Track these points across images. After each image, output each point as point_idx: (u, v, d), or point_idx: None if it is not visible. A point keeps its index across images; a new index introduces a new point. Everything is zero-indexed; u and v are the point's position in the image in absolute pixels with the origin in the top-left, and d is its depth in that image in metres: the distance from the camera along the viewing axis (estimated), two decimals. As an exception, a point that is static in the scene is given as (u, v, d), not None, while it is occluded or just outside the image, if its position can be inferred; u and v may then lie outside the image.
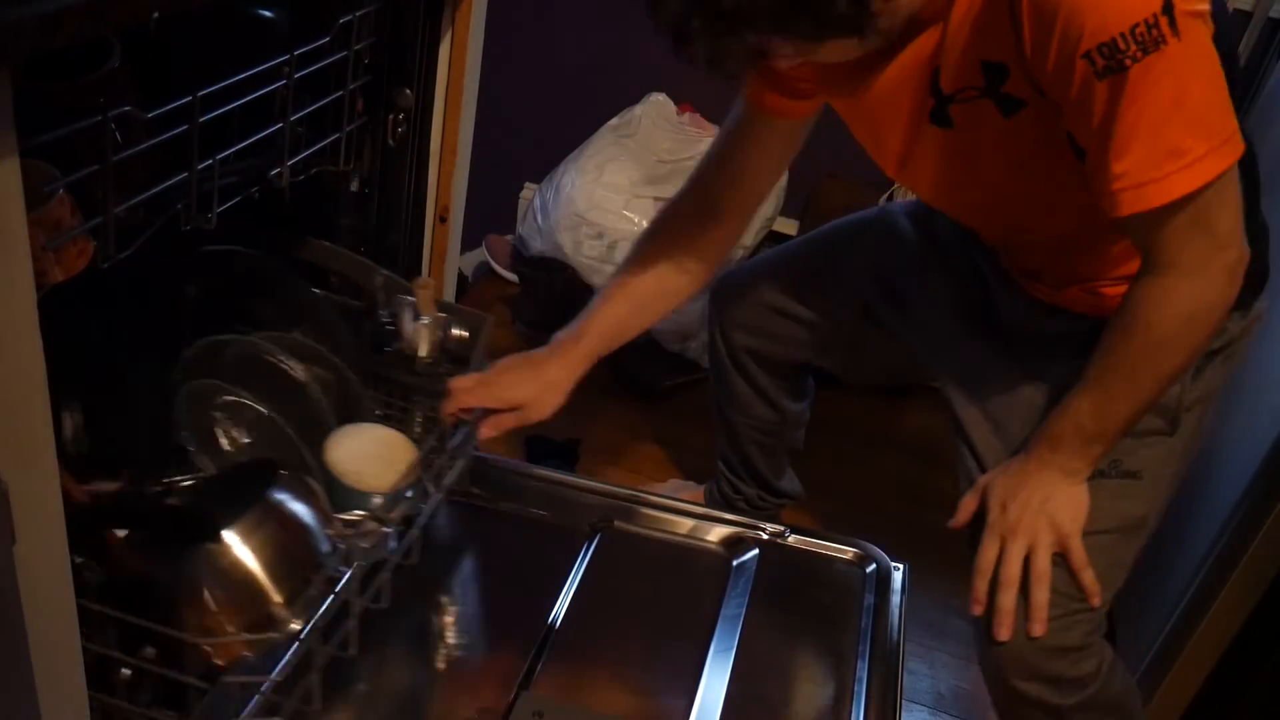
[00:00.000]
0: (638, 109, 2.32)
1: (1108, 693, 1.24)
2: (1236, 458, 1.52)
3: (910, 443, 2.17)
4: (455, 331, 1.29)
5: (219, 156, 1.02)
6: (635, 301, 1.30)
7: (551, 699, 1.08)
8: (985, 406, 1.26)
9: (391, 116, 1.31)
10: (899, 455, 2.13)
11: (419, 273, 1.41)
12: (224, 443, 1.18)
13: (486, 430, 1.23)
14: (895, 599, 1.27)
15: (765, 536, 1.34)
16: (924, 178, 1.21)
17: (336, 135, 1.23)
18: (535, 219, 2.30)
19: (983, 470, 1.24)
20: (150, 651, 0.91)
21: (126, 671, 0.91)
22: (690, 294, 1.33)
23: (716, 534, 1.35)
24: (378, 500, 1.13)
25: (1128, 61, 0.88)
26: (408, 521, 1.11)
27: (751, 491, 1.69)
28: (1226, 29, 1.00)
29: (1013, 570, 1.14)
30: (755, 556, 1.32)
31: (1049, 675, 1.19)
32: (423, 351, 1.28)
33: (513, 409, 1.24)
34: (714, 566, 1.31)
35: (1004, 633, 1.14)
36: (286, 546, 0.97)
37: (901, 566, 1.32)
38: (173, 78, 0.98)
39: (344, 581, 0.97)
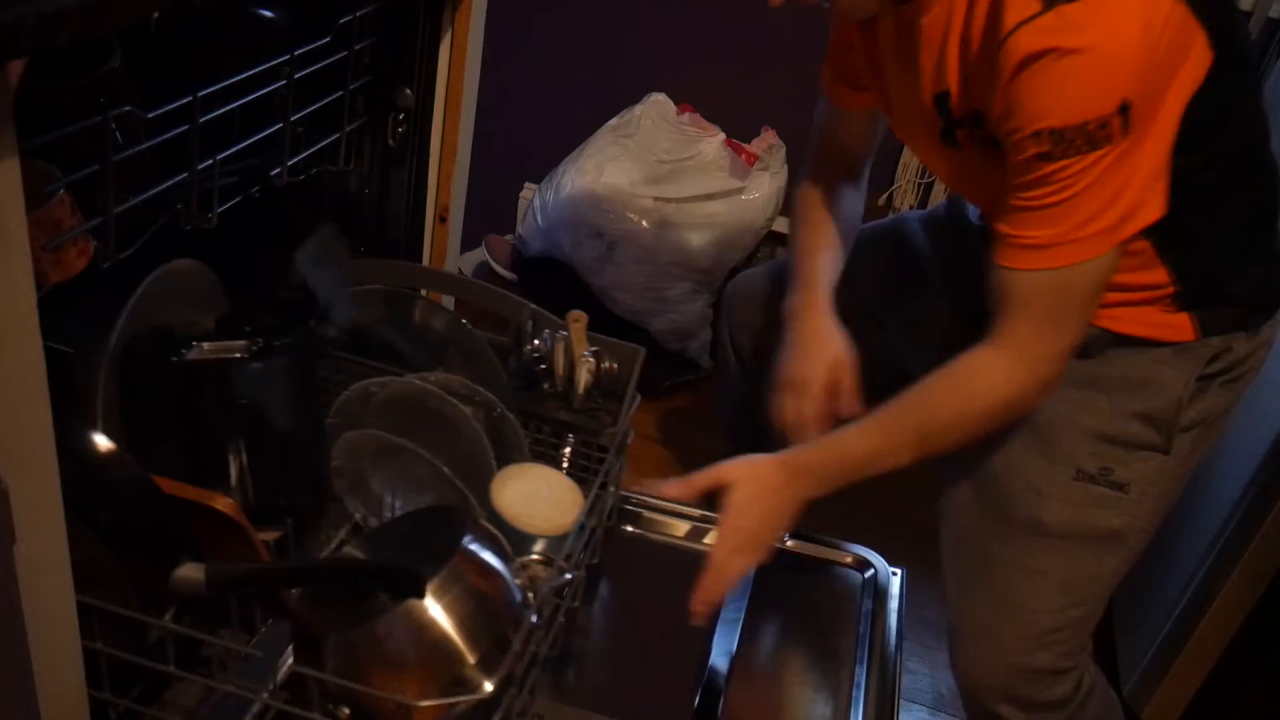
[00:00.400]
0: (638, 109, 2.32)
1: (1082, 717, 1.23)
2: (1236, 458, 1.52)
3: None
4: (606, 364, 1.25)
5: (219, 156, 1.02)
6: (833, 241, 1.33)
7: (550, 701, 1.08)
8: None
9: (391, 116, 1.31)
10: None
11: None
12: (379, 489, 1.16)
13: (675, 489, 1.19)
14: (893, 604, 1.27)
15: None
16: (948, 180, 1.25)
17: (336, 135, 1.23)
18: (535, 219, 2.30)
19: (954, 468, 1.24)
20: (344, 711, 0.89)
21: None
22: (860, 218, 1.37)
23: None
24: (539, 544, 1.10)
25: (1071, 151, 0.91)
26: (577, 563, 1.07)
27: None
28: (1229, 24, 0.98)
29: (731, 575, 1.13)
30: None
31: (1020, 698, 1.19)
32: (580, 387, 1.24)
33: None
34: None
35: (700, 620, 1.12)
36: (481, 602, 0.91)
37: (899, 572, 1.32)
38: (173, 78, 0.98)
39: (534, 631, 0.93)
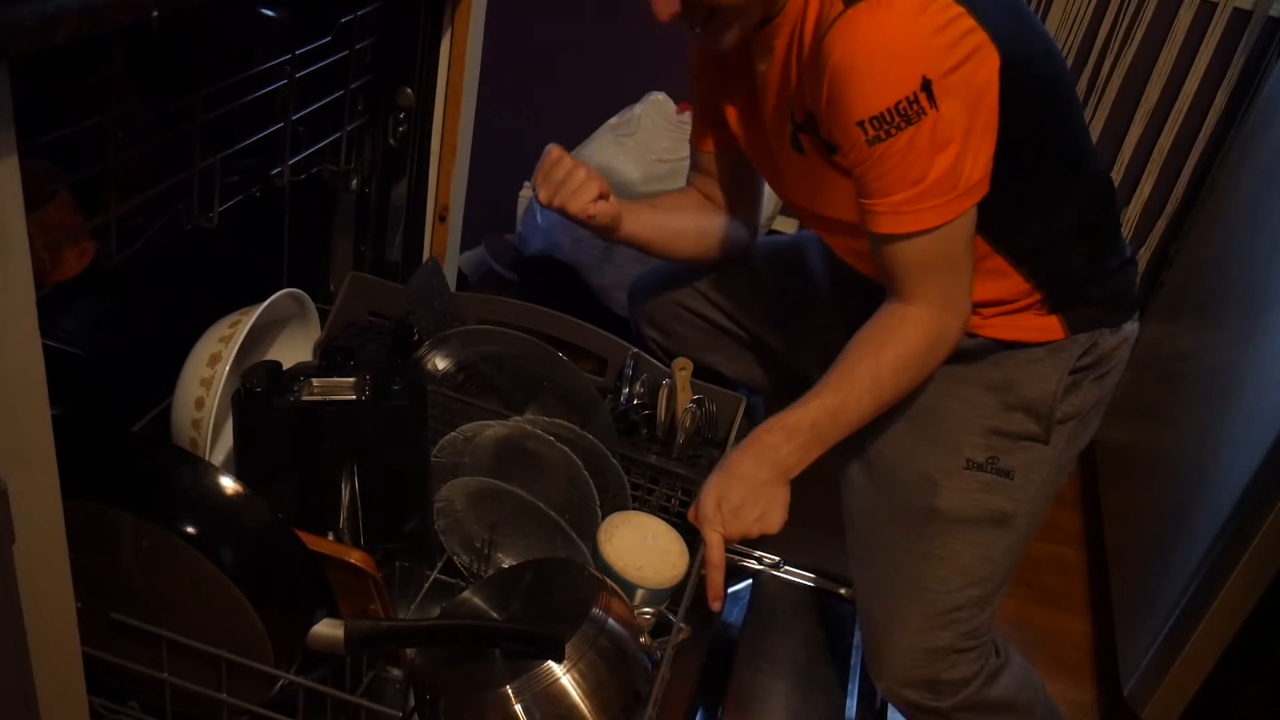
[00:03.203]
0: (638, 109, 2.32)
1: (990, 693, 1.26)
2: (1236, 458, 1.52)
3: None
4: (710, 409, 1.26)
5: (220, 156, 1.02)
6: (665, 221, 1.38)
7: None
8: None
9: (392, 116, 1.31)
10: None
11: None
12: (477, 529, 1.15)
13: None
14: None
15: (759, 567, 1.34)
16: (797, 202, 1.29)
17: (337, 134, 1.23)
18: (535, 218, 2.30)
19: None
20: None
21: None
22: (705, 241, 1.41)
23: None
24: (640, 594, 1.09)
25: (894, 130, 1.01)
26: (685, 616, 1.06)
27: None
28: (1032, 45, 1.09)
29: (721, 561, 1.15)
30: (748, 586, 1.32)
31: (924, 679, 1.22)
32: (680, 436, 1.24)
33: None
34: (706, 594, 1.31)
35: (717, 605, 1.15)
36: (613, 667, 0.89)
37: None
38: (174, 77, 0.97)
39: (654, 699, 0.92)
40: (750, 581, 1.33)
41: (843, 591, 1.35)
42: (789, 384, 1.38)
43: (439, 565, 1.17)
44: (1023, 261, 1.18)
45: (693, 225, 1.40)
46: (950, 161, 1.04)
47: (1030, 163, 1.13)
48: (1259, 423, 1.48)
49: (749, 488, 1.14)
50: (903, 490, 1.22)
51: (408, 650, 0.94)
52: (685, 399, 1.25)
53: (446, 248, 1.43)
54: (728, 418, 1.25)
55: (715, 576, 1.14)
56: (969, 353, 1.22)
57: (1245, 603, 1.50)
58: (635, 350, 1.28)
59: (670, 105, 2.34)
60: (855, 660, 1.24)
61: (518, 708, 0.86)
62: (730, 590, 1.33)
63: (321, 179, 1.29)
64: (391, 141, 1.33)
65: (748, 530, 1.15)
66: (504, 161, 2.45)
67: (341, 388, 1.03)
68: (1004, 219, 1.13)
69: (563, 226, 2.22)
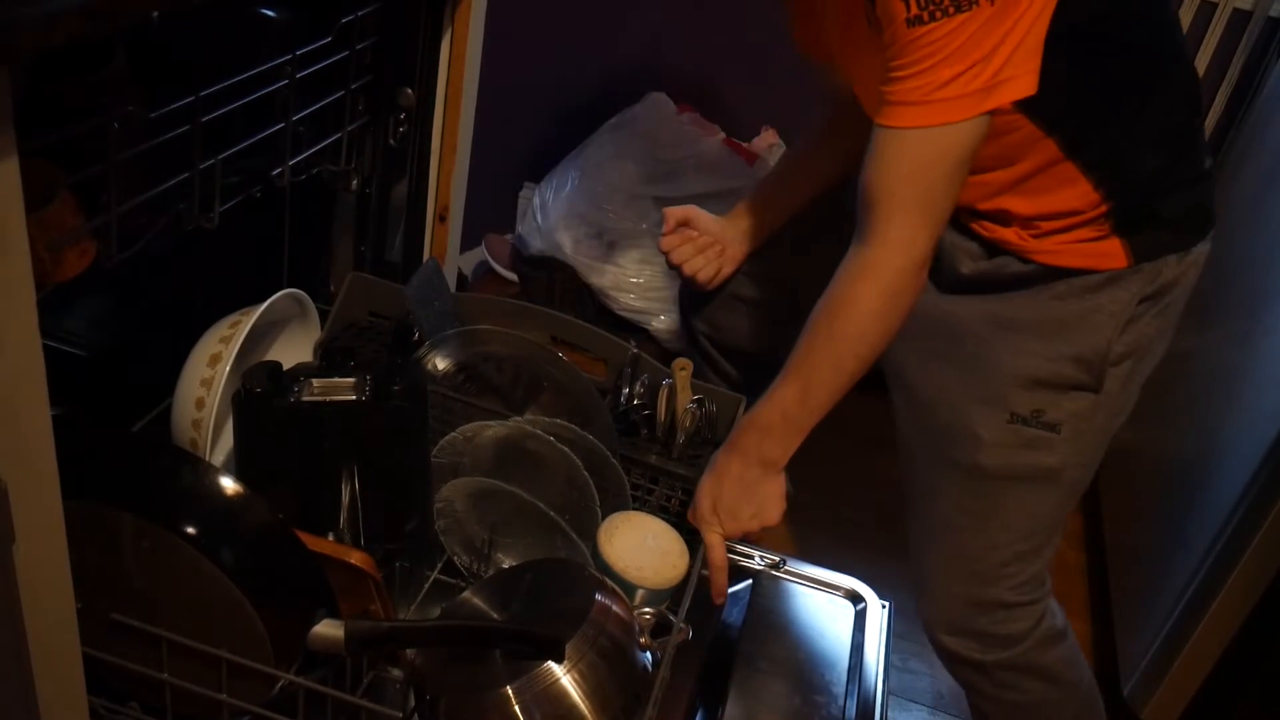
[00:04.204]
0: (638, 109, 2.32)
1: (1040, 659, 1.25)
2: (1236, 458, 1.52)
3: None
4: (710, 409, 1.25)
5: (221, 156, 1.02)
6: (799, 184, 1.41)
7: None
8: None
9: (392, 116, 1.31)
10: (897, 455, 2.13)
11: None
12: (478, 530, 1.15)
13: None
14: (880, 638, 1.28)
15: (759, 566, 1.35)
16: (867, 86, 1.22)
17: (338, 135, 1.23)
18: (535, 219, 2.30)
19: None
20: None
21: None
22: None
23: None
24: (640, 594, 1.09)
25: (939, 14, 0.93)
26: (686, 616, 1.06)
27: None
28: None
29: (723, 561, 1.16)
30: (748, 586, 1.33)
31: (974, 630, 1.22)
32: (681, 436, 1.24)
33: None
34: (708, 594, 1.31)
35: (720, 600, 1.17)
36: (613, 667, 0.90)
37: (888, 604, 1.34)
38: (174, 78, 0.97)
39: (655, 699, 0.91)
40: (750, 581, 1.33)
41: (840, 591, 1.35)
42: None
43: (439, 566, 1.16)
44: (1094, 168, 1.08)
45: (826, 161, 1.38)
46: (988, 65, 0.96)
47: (1116, 51, 1.04)
48: (1259, 423, 1.48)
49: (740, 487, 1.14)
50: (947, 443, 1.20)
51: (408, 651, 0.94)
52: (685, 399, 1.25)
53: (446, 248, 1.43)
54: (727, 418, 1.25)
55: (718, 577, 1.15)
56: (1021, 280, 1.15)
57: (1245, 603, 1.50)
58: (635, 350, 1.28)
59: (670, 105, 2.34)
60: (855, 660, 1.24)
61: (518, 708, 0.86)
62: (730, 590, 1.33)
63: (322, 179, 1.29)
64: (391, 141, 1.33)
65: (746, 527, 1.15)
66: (504, 161, 2.46)
67: (342, 388, 1.03)
68: (1080, 118, 1.06)
69: (563, 226, 2.22)
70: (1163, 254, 1.12)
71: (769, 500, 1.16)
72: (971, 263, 1.18)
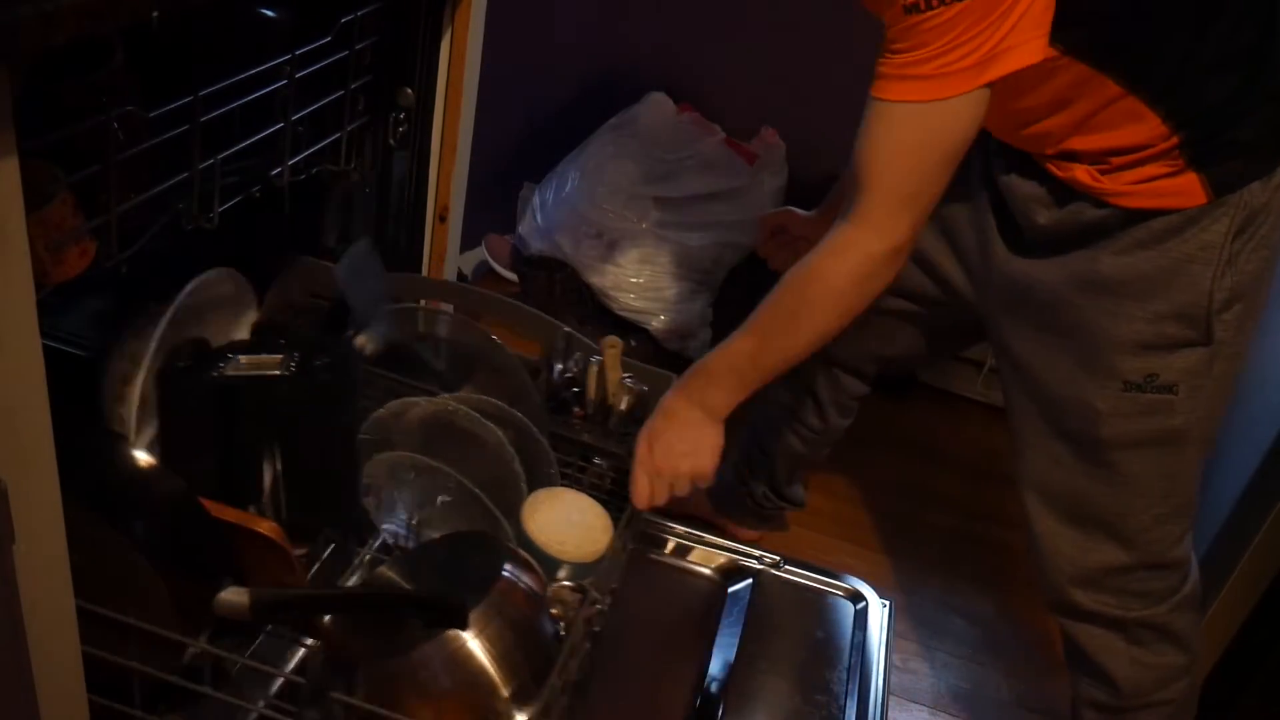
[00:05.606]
0: (638, 109, 2.32)
1: (1174, 621, 1.25)
2: (1236, 458, 1.52)
3: (910, 442, 2.17)
4: (638, 389, 1.26)
5: (220, 156, 1.02)
6: None
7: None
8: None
9: (392, 116, 1.31)
10: (899, 455, 2.13)
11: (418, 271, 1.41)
12: (408, 507, 1.16)
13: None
14: (881, 637, 1.28)
15: (760, 566, 1.35)
16: None
17: (337, 135, 1.23)
18: (535, 219, 2.30)
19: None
20: None
21: None
22: None
23: (712, 560, 1.36)
24: (564, 569, 1.10)
25: (935, 2, 0.93)
26: (607, 590, 1.08)
27: (760, 490, 1.69)
28: None
29: (659, 501, 1.17)
30: (749, 586, 1.33)
31: (1114, 587, 1.22)
32: (612, 414, 1.25)
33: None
34: (709, 593, 1.31)
35: (641, 504, 1.17)
36: (520, 634, 0.92)
37: (888, 603, 1.33)
38: (174, 77, 0.98)
39: (564, 663, 0.93)
40: (750, 581, 1.33)
41: (841, 591, 1.35)
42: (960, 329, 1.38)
43: (373, 544, 1.17)
44: (1158, 100, 1.03)
45: None
46: (985, 44, 0.94)
47: None
48: (1259, 423, 1.48)
49: (678, 426, 1.16)
50: (1064, 415, 1.19)
51: (326, 622, 0.95)
52: (616, 377, 1.25)
53: (446, 248, 1.42)
54: (659, 395, 1.26)
55: (639, 485, 1.15)
56: (1099, 228, 1.11)
57: (1245, 603, 1.50)
58: (568, 330, 1.29)
59: (670, 105, 2.34)
60: (855, 660, 1.24)
61: (427, 672, 0.88)
62: (730, 590, 1.33)
63: (321, 179, 1.29)
64: (391, 141, 1.33)
65: (677, 465, 1.16)
66: (504, 161, 2.45)
67: (268, 364, 1.03)
68: (1131, 52, 1.02)
69: (563, 226, 2.22)
70: (1245, 183, 1.06)
71: (704, 447, 1.17)
72: (1046, 212, 1.14)
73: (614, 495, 1.22)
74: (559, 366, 1.26)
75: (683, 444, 1.16)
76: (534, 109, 2.48)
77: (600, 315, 2.19)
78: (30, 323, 0.68)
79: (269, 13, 1.13)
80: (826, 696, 1.19)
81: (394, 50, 1.26)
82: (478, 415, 1.12)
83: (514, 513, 1.12)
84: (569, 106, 2.45)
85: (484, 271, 2.51)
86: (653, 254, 2.19)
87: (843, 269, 1.07)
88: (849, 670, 1.23)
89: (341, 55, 1.17)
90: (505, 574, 0.94)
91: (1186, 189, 1.06)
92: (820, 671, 1.23)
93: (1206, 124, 1.05)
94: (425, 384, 1.21)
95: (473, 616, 0.89)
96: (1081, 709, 1.35)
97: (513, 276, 2.40)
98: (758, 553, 1.37)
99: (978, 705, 1.62)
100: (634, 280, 2.19)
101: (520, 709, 0.89)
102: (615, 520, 1.15)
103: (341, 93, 1.20)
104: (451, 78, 1.30)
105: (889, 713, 1.21)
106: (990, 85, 0.97)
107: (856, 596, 1.34)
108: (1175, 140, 1.04)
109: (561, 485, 1.19)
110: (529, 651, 0.92)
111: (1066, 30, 0.97)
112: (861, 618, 1.31)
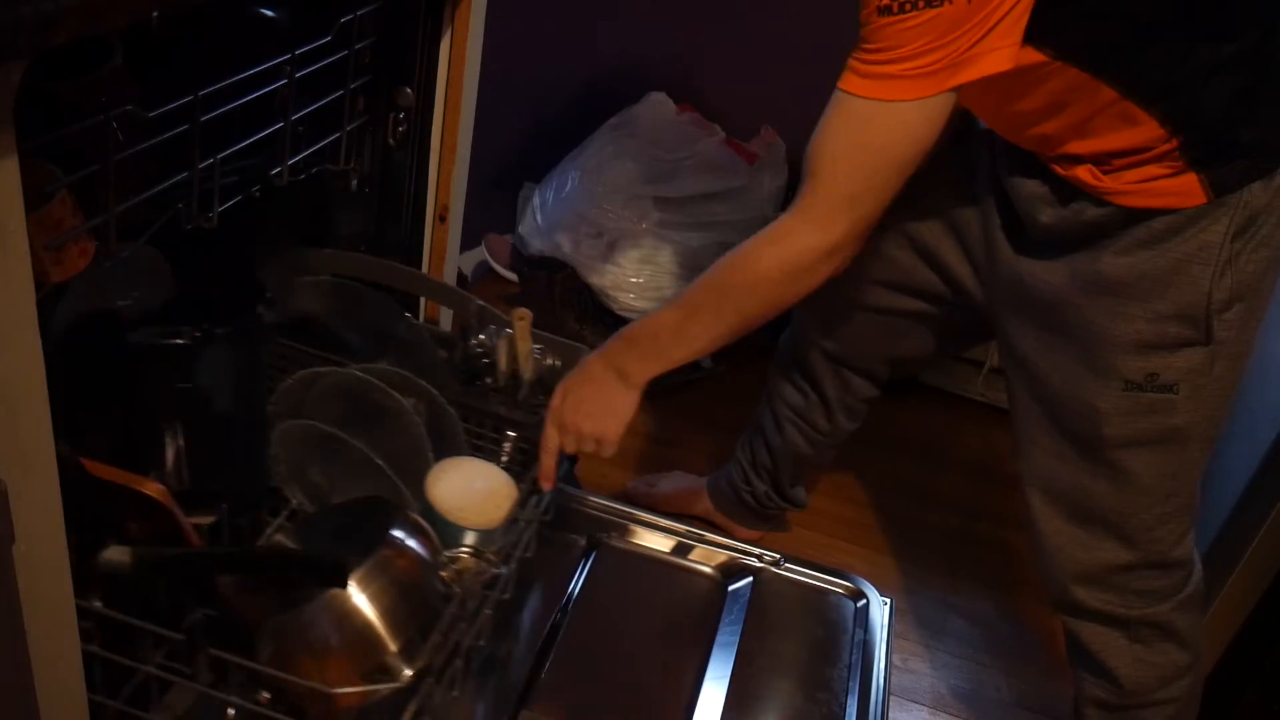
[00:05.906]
0: (638, 109, 2.32)
1: (1176, 620, 1.25)
2: (1237, 458, 1.52)
3: (910, 442, 2.17)
4: (549, 361, 1.28)
5: (220, 155, 1.02)
6: None
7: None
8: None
9: (391, 116, 1.31)
10: (899, 455, 2.13)
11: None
12: (317, 478, 1.17)
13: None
14: (879, 635, 1.28)
15: (760, 564, 1.35)
16: None
17: (337, 134, 1.23)
18: (535, 218, 2.30)
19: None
20: (265, 696, 0.91)
21: (232, 713, 0.91)
22: None
23: (712, 559, 1.36)
24: (471, 536, 1.12)
25: (909, 6, 0.93)
26: (506, 557, 1.10)
27: (762, 489, 1.70)
28: None
29: (553, 447, 1.21)
30: (749, 584, 1.33)
31: (1115, 585, 1.22)
32: (523, 384, 1.26)
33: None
34: (709, 591, 1.31)
35: (548, 485, 1.22)
36: (404, 592, 0.95)
37: (889, 601, 1.33)
38: (174, 77, 0.98)
39: (456, 623, 0.97)
40: (750, 580, 1.33)
41: (842, 589, 1.35)
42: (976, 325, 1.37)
43: (285, 514, 1.18)
44: (1157, 102, 1.02)
45: None
46: (951, 50, 0.95)
47: None
48: (1259, 423, 1.48)
49: (592, 386, 1.19)
50: (1066, 414, 1.20)
51: (221, 584, 0.97)
52: (526, 349, 1.26)
53: (446, 248, 1.43)
54: (570, 368, 1.27)
55: (545, 460, 1.21)
56: (1100, 227, 1.11)
57: (1245, 603, 1.50)
58: (480, 303, 1.30)
59: (670, 105, 2.34)
60: (855, 659, 1.24)
61: (317, 631, 0.91)
62: (730, 589, 1.33)
63: (321, 179, 1.29)
64: (391, 141, 1.33)
65: (580, 425, 1.19)
66: (504, 161, 2.45)
67: (175, 334, 1.04)
68: (1130, 52, 1.01)
69: (563, 227, 2.22)
70: (1245, 183, 1.06)
71: (610, 410, 1.19)
72: (1049, 210, 1.15)
73: (523, 465, 1.24)
74: (471, 340, 1.28)
75: (591, 404, 1.19)
76: (534, 109, 2.48)
77: (600, 315, 2.19)
78: (30, 323, 0.68)
79: (268, 12, 1.13)
80: (827, 694, 1.19)
81: (394, 50, 1.26)
82: (384, 385, 1.14)
83: (421, 481, 1.14)
84: (569, 106, 2.45)
85: (484, 271, 2.51)
86: (653, 254, 2.19)
87: (776, 257, 1.09)
88: (850, 668, 1.23)
89: (341, 55, 1.17)
90: (393, 536, 0.97)
91: (1187, 189, 1.06)
92: (821, 669, 1.23)
93: (1206, 126, 1.04)
94: (336, 356, 1.24)
95: (355, 576, 0.92)
96: (1084, 707, 1.35)
97: (513, 276, 2.40)
98: (758, 551, 1.37)
99: (978, 705, 1.62)
100: (634, 280, 2.19)
101: (409, 663, 0.92)
102: (523, 491, 1.18)
103: (341, 92, 1.20)
104: (451, 78, 1.30)
105: (889, 713, 1.21)
106: (955, 90, 0.98)
107: (857, 594, 1.34)
108: (1175, 143, 1.04)
109: (471, 455, 1.21)
110: (414, 608, 0.95)
111: (1057, 34, 0.97)
112: (862, 615, 1.31)
